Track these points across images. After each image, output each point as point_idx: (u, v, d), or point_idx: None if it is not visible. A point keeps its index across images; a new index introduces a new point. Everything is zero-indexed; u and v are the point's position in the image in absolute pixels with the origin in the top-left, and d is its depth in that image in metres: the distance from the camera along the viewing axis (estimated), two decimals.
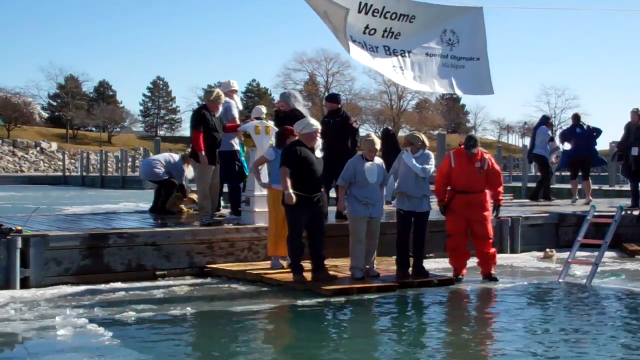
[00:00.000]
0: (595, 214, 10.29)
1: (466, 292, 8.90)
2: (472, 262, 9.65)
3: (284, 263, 9.25)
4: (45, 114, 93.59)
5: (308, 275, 8.67)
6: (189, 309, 7.53)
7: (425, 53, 10.88)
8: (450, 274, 9.48)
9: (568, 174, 17.99)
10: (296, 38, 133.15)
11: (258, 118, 10.62)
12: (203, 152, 10.15)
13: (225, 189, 11.84)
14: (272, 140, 10.07)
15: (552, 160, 16.14)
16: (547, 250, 11.79)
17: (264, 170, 9.54)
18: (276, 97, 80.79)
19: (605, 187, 23.24)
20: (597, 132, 15.63)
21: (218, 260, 9.69)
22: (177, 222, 10.96)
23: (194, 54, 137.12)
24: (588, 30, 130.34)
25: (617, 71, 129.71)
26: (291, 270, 8.75)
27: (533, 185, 18.50)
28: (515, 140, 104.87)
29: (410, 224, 9.17)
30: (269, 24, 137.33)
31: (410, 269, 9.21)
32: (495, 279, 9.44)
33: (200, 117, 10.29)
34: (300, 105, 10.89)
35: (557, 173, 22.25)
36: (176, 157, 12.66)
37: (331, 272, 8.84)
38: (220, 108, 10.65)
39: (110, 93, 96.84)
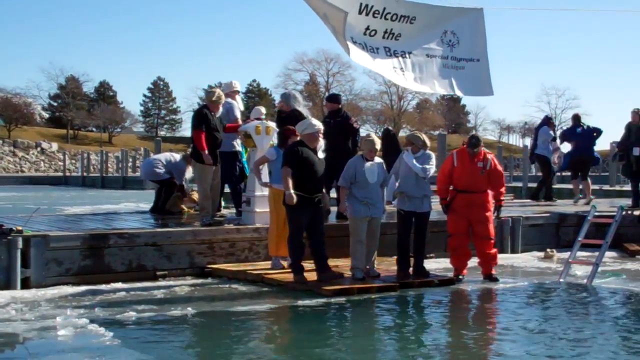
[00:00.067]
0: (596, 214, 10.29)
1: (467, 293, 8.90)
2: (473, 262, 9.65)
3: (285, 263, 9.25)
4: (45, 115, 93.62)
5: (309, 276, 8.68)
6: (189, 309, 7.54)
7: (425, 54, 10.90)
8: (450, 274, 9.48)
9: (569, 174, 17.99)
10: (297, 38, 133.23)
11: (257, 119, 10.62)
12: (206, 152, 10.16)
13: (227, 190, 11.84)
14: (273, 140, 10.08)
15: (554, 160, 16.15)
16: (548, 250, 11.79)
17: (264, 170, 9.55)
18: (276, 97, 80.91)
19: (606, 187, 23.26)
20: (598, 132, 15.64)
21: (219, 260, 9.70)
22: (178, 222, 10.97)
23: (194, 54, 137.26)
24: (588, 31, 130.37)
25: (617, 71, 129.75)
26: (292, 271, 8.75)
27: (534, 185, 18.50)
28: (516, 140, 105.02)
29: (411, 224, 9.17)
30: (269, 24, 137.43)
31: (411, 269, 9.21)
32: (496, 279, 9.44)
33: (202, 117, 10.29)
34: (301, 106, 10.90)
35: (559, 174, 22.25)
36: (177, 156, 12.66)
37: (336, 270, 8.84)
38: (221, 108, 10.66)
39: (111, 93, 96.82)
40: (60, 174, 60.46)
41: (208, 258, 9.66)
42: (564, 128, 18.33)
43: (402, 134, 73.57)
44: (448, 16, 11.14)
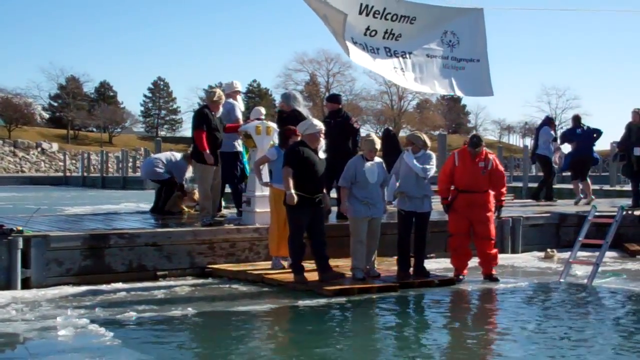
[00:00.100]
0: (596, 214, 10.29)
1: (467, 293, 8.90)
2: (473, 262, 9.65)
3: (285, 263, 9.26)
4: (46, 115, 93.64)
5: (309, 276, 8.68)
6: (190, 309, 7.54)
7: (426, 54, 10.91)
8: (451, 274, 9.48)
9: (569, 174, 18.00)
10: (297, 38, 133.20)
11: (257, 119, 10.63)
12: (208, 151, 10.16)
13: (227, 190, 11.84)
14: (273, 140, 10.09)
15: (555, 160, 16.16)
16: (548, 250, 11.79)
17: (264, 170, 9.56)
18: (277, 97, 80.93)
19: (606, 187, 23.26)
20: (598, 133, 15.65)
21: (219, 260, 9.70)
22: (178, 222, 10.97)
23: (194, 54, 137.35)
24: (588, 31, 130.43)
25: (617, 71, 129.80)
26: (292, 271, 8.76)
27: (534, 185, 18.52)
28: (516, 140, 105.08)
29: (411, 224, 9.17)
30: (269, 24, 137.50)
31: (411, 269, 9.22)
32: (496, 279, 9.44)
33: (203, 117, 10.30)
34: (301, 106, 10.90)
35: (560, 174, 22.26)
36: (178, 156, 12.65)
37: (337, 270, 8.85)
38: (221, 108, 10.66)
39: (111, 93, 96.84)
40: (60, 174, 60.43)
41: (208, 258, 9.66)
42: (564, 129, 18.34)
43: (403, 134, 73.57)
44: (448, 16, 11.14)
